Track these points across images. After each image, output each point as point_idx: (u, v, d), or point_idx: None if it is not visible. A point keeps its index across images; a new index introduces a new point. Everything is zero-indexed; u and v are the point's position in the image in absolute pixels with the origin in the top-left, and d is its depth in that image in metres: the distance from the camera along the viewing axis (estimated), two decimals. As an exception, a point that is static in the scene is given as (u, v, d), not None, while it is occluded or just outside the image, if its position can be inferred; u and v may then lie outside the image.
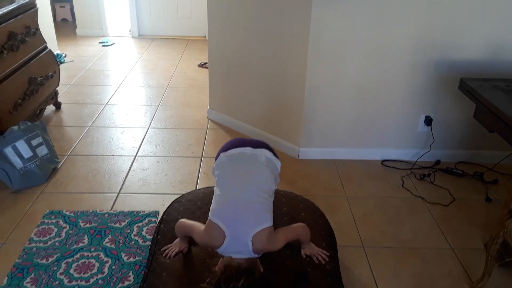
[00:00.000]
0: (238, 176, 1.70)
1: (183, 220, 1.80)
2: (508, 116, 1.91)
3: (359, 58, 2.73)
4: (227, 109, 3.44)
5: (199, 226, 1.68)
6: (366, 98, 2.86)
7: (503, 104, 2.02)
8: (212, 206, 1.63)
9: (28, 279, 1.94)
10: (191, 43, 5.74)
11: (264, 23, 2.86)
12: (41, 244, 2.15)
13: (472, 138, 2.99)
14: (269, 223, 1.57)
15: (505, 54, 2.71)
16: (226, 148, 1.80)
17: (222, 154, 1.79)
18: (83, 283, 1.93)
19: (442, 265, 2.15)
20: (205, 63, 4.89)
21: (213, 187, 1.74)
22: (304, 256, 1.82)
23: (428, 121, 2.91)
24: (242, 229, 1.52)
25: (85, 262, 2.05)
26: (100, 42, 5.60)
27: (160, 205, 2.51)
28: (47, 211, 2.41)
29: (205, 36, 5.85)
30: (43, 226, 2.28)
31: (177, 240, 1.87)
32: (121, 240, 2.20)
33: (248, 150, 1.77)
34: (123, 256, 2.09)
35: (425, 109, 2.90)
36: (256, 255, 1.57)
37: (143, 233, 2.26)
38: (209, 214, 1.60)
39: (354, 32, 2.65)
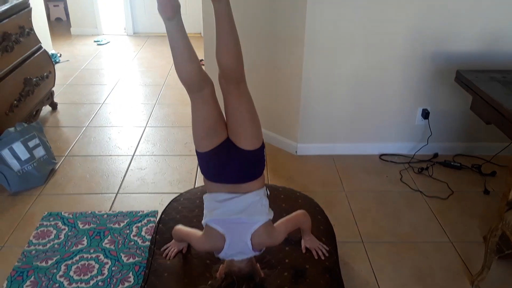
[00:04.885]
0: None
1: (180, 227, 1.79)
2: (505, 107, 1.91)
3: (354, 52, 2.72)
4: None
5: (196, 233, 1.65)
6: (362, 92, 2.85)
7: (500, 96, 2.01)
8: (205, 211, 1.59)
9: (28, 282, 1.93)
10: (186, 40, 5.70)
11: (259, 19, 2.84)
12: (40, 247, 2.15)
13: (469, 130, 2.99)
14: (265, 218, 1.54)
15: (501, 45, 2.71)
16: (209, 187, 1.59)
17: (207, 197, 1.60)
18: (83, 285, 1.92)
19: (442, 259, 2.15)
20: (201, 60, 4.86)
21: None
22: (304, 250, 1.82)
23: (425, 114, 2.90)
24: (240, 229, 1.51)
25: (85, 264, 2.05)
26: (95, 41, 5.57)
27: (159, 204, 2.51)
28: (46, 213, 2.40)
29: (200, 33, 5.83)
30: (42, 229, 2.28)
31: (176, 239, 1.87)
32: (120, 241, 2.20)
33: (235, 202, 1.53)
34: (122, 257, 2.09)
35: (422, 102, 2.90)
36: (258, 252, 1.57)
37: (143, 233, 2.26)
38: (204, 219, 1.57)
39: (349, 26, 2.64)
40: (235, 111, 1.48)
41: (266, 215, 1.56)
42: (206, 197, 1.61)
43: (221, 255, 1.55)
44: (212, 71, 3.53)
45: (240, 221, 1.50)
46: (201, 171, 1.59)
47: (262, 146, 1.56)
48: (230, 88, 1.47)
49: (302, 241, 1.84)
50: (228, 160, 1.51)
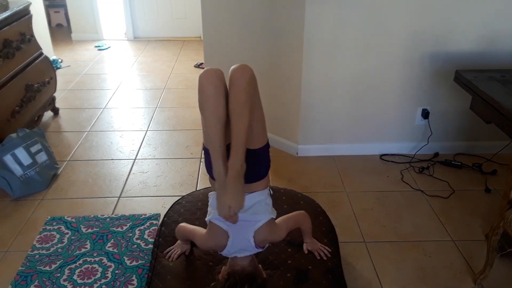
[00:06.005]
0: None
1: (183, 224, 1.81)
2: (504, 106, 1.92)
3: (354, 53, 2.74)
4: (225, 109, 3.43)
5: (200, 230, 1.67)
6: (362, 93, 2.86)
7: (499, 95, 2.02)
8: (209, 209, 1.62)
9: (32, 287, 1.94)
10: (186, 44, 5.73)
11: (259, 22, 2.86)
12: (44, 251, 2.16)
13: (469, 129, 3.00)
14: (268, 216, 1.57)
15: (499, 44, 2.72)
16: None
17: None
18: (87, 288, 1.94)
19: (444, 258, 2.16)
20: (201, 64, 4.88)
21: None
22: (306, 252, 1.83)
23: (425, 114, 2.91)
24: (243, 227, 1.53)
25: (88, 267, 2.06)
26: (96, 46, 5.60)
27: (161, 207, 2.52)
28: (49, 217, 2.42)
29: (200, 37, 5.85)
30: (45, 233, 2.29)
31: (178, 241, 1.88)
32: (123, 244, 2.21)
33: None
34: (125, 260, 2.10)
35: (422, 102, 2.91)
36: (261, 249, 1.59)
37: (145, 236, 2.26)
38: (208, 217, 1.60)
39: (348, 27, 2.66)
40: None
41: (270, 213, 1.58)
42: (211, 195, 1.63)
43: (224, 252, 1.57)
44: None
45: (244, 219, 1.52)
46: (207, 170, 1.60)
47: (267, 145, 1.58)
48: None
49: (304, 245, 1.86)
50: None
